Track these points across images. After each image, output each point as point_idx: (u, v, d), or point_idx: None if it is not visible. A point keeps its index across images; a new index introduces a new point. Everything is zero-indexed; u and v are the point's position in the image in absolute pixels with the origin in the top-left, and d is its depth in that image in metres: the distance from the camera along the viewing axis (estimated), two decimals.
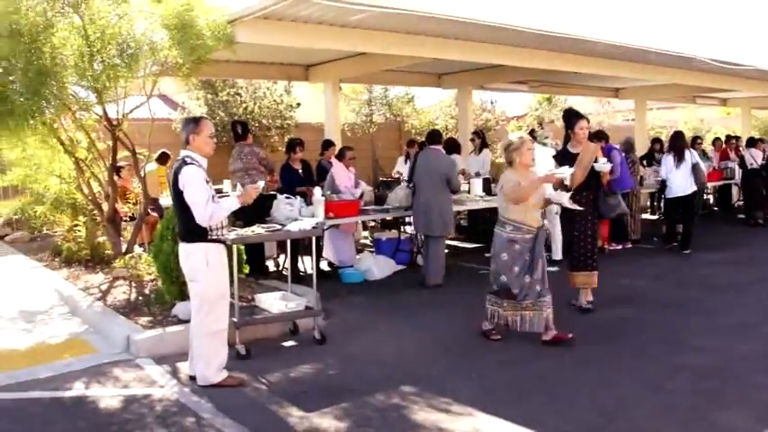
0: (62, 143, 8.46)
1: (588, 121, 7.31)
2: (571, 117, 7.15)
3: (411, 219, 9.51)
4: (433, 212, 8.69)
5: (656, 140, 12.33)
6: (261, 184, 5.60)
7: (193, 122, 5.25)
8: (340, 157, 9.85)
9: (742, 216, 14.71)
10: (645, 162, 12.02)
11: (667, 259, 10.47)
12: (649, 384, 5.14)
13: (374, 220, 11.32)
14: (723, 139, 17.05)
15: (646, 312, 7.33)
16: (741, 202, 15.71)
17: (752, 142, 14.66)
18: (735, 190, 16.15)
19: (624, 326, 6.79)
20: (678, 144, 11.20)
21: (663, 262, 10.29)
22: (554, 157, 7.19)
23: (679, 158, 10.96)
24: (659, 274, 9.45)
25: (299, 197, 8.53)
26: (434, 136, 9.24)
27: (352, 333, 6.74)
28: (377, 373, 5.56)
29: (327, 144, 10.69)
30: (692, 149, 11.38)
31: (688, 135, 13.79)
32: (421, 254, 10.04)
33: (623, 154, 11.43)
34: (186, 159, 5.11)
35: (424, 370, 5.60)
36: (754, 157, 14.20)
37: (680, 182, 10.97)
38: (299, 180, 9.65)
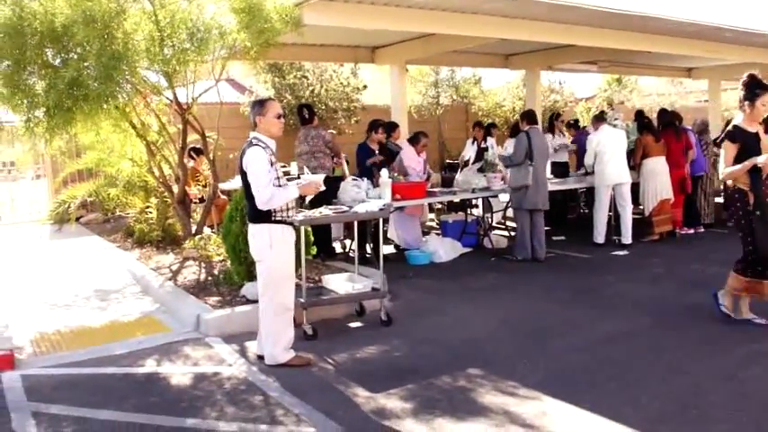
0: (134, 127, 8.64)
1: None
2: (754, 87, 5.87)
3: (509, 195, 9.49)
4: (546, 188, 9.30)
5: (729, 122, 11.94)
6: (321, 181, 5.58)
7: (259, 104, 5.29)
8: (414, 141, 9.85)
9: None
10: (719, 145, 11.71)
11: (740, 243, 10.14)
12: (723, 372, 5.00)
13: (441, 203, 11.28)
14: None
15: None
16: None
17: None
18: None
19: (697, 312, 6.59)
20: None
21: (737, 247, 9.97)
22: (727, 136, 5.91)
23: None
24: (733, 258, 9.14)
25: (366, 179, 8.55)
26: (534, 116, 9.47)
27: (419, 315, 6.73)
28: (443, 355, 5.54)
29: (393, 126, 10.66)
30: None
31: None
32: (488, 236, 10.01)
33: (697, 135, 11.18)
34: (252, 141, 5.16)
35: (492, 353, 5.55)
36: None
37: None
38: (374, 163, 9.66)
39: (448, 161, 15.49)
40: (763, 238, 5.74)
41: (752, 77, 5.89)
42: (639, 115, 11.24)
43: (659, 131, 10.52)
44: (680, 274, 8.26)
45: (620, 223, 10.04)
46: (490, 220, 10.95)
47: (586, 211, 12.76)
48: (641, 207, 10.62)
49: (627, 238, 9.95)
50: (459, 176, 9.84)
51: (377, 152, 9.72)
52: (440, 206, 11.96)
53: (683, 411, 4.35)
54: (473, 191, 9.50)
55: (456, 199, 10.00)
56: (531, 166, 8.92)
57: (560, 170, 11.29)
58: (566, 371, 5.12)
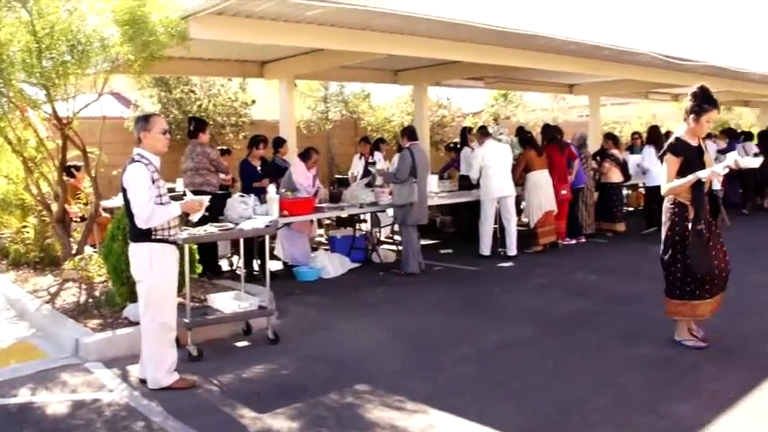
0: (9, 142, 8.25)
1: (719, 112, 5.93)
2: (703, 101, 5.57)
3: (393, 212, 9.59)
4: (426, 204, 9.51)
5: (607, 136, 12.48)
6: (205, 201, 5.47)
7: (144, 120, 5.15)
8: (305, 157, 9.79)
9: None
10: (598, 158, 12.18)
11: (621, 253, 10.62)
12: (604, 377, 5.19)
13: (329, 218, 11.28)
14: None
15: (601, 306, 7.40)
16: None
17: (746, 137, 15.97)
18: None
19: (580, 320, 6.84)
20: (658, 137, 12.30)
21: (617, 255, 10.43)
22: (669, 149, 5.67)
23: (659, 149, 11.38)
24: (613, 267, 9.56)
25: (253, 195, 8.46)
26: (414, 132, 9.58)
27: (307, 332, 6.69)
28: (331, 371, 5.51)
29: (280, 141, 10.59)
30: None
31: (643, 130, 14.13)
32: (376, 251, 10.07)
33: (577, 149, 11.60)
34: (135, 157, 5.02)
35: (380, 368, 5.57)
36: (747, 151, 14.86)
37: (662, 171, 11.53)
38: (257, 177, 9.60)
39: (337, 176, 15.52)
40: (698, 255, 5.53)
41: (702, 90, 5.60)
42: (520, 131, 11.57)
43: (542, 146, 10.86)
44: (563, 284, 8.53)
45: (505, 235, 10.29)
46: (378, 234, 11.03)
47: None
48: (525, 219, 10.92)
49: (512, 249, 10.21)
50: (347, 192, 9.87)
51: (259, 168, 9.68)
52: (328, 221, 11.94)
53: (566, 417, 4.49)
54: (361, 206, 9.54)
55: (344, 214, 10.00)
56: (416, 182, 9.05)
57: (468, 183, 11.37)
58: (453, 382, 5.19)
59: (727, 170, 5.45)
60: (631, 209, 15.40)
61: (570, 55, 11.65)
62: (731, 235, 11.19)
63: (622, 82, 15.17)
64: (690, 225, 5.54)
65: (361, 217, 10.89)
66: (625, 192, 14.65)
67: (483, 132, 10.67)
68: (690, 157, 5.56)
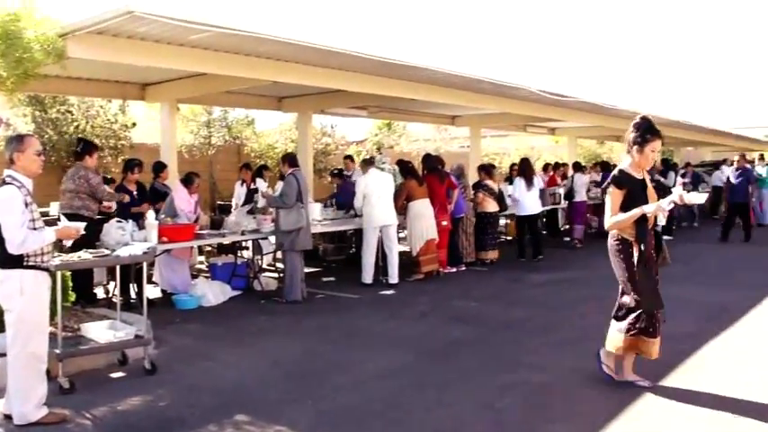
0: None
1: (663, 143, 5.58)
2: (645, 131, 5.39)
3: (276, 238, 9.44)
4: (310, 230, 9.52)
5: (481, 167, 12.84)
6: (81, 227, 5.28)
7: (17, 140, 4.93)
8: (186, 182, 9.62)
9: (567, 239, 15.71)
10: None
11: (500, 280, 10.90)
12: (483, 403, 5.29)
13: (210, 245, 11.09)
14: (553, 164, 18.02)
15: (480, 332, 7.55)
16: (567, 227, 16.68)
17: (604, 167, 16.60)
18: (561, 214, 17.19)
19: (460, 346, 6.97)
20: (528, 169, 13.11)
21: (496, 283, 10.70)
22: (613, 181, 5.43)
23: (528, 182, 12.86)
24: (492, 294, 9.80)
25: (131, 221, 8.22)
26: (295, 159, 9.66)
27: (186, 362, 6.52)
28: (211, 402, 5.39)
29: (161, 166, 10.35)
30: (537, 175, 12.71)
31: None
32: (258, 279, 9.96)
33: (457, 179, 11.88)
34: (6, 179, 4.80)
35: (261, 397, 5.49)
36: None
37: (530, 202, 12.95)
38: (133, 202, 9.32)
39: (219, 202, 15.30)
40: (647, 292, 5.36)
41: (644, 120, 5.43)
42: (401, 163, 11.75)
43: (424, 175, 11.07)
44: (444, 311, 8.68)
45: (387, 263, 10.39)
46: (260, 262, 10.92)
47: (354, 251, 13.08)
48: (408, 248, 11.06)
49: (394, 277, 10.31)
50: (228, 218, 9.73)
51: (135, 193, 9.46)
52: (209, 248, 11.74)
53: None
54: (243, 233, 9.43)
55: (226, 241, 9.85)
56: (303, 208, 9.05)
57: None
58: (335, 412, 5.16)
59: (672, 205, 5.33)
60: (509, 238, 15.84)
61: (452, 87, 11.96)
62: (605, 263, 11.69)
63: (502, 115, 15.62)
64: (635, 262, 5.33)
65: (243, 244, 10.75)
66: (504, 221, 15.11)
67: (367, 161, 10.82)
68: (634, 191, 5.36)
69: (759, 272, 11.58)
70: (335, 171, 14.62)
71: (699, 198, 5.74)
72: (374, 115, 16.78)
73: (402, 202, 10.75)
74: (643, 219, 5.28)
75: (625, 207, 5.32)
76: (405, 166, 11.19)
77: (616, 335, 5.54)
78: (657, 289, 5.42)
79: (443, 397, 5.46)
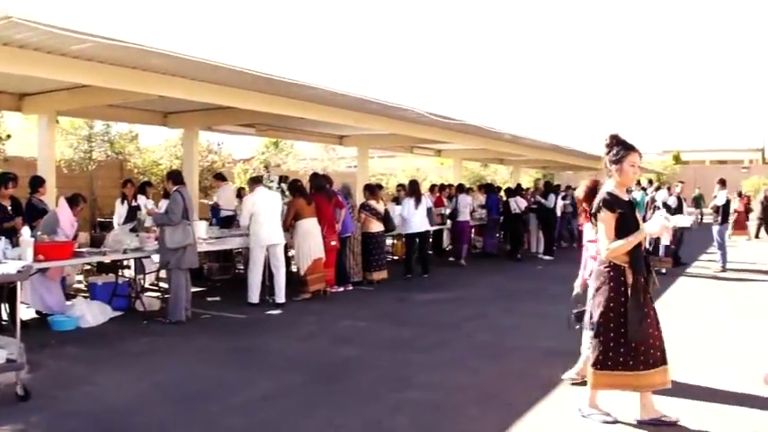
0: None
1: (641, 156, 5.29)
2: (619, 148, 5.16)
3: (160, 257, 9.13)
4: (197, 248, 9.29)
5: (366, 188, 12.93)
6: None
7: None
8: (73, 203, 9.29)
9: (452, 259, 16.05)
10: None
11: (386, 300, 10.95)
12: (373, 423, 5.26)
13: (90, 264, 10.66)
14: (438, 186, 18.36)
15: (369, 352, 7.53)
16: (450, 247, 17.04)
17: (517, 191, 17.89)
18: (446, 234, 17.54)
19: (349, 366, 6.93)
20: (417, 189, 13.56)
21: (383, 302, 10.73)
22: (605, 204, 5.06)
23: (417, 201, 13.27)
24: (380, 314, 9.83)
25: (3, 237, 7.81)
26: (180, 176, 9.48)
27: (63, 387, 6.19)
28: (89, 429, 5.15)
29: (38, 181, 9.89)
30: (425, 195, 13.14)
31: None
32: (140, 298, 9.64)
33: (344, 198, 11.91)
34: None
35: (144, 423, 5.26)
36: (518, 204, 17.01)
37: (418, 221, 13.30)
38: (7, 218, 8.85)
39: (99, 219, 14.77)
40: (637, 322, 4.98)
41: (614, 137, 5.21)
42: (287, 179, 11.69)
43: (311, 194, 11.03)
44: (332, 331, 8.63)
45: (273, 283, 10.27)
46: (143, 281, 10.59)
47: (242, 270, 12.88)
48: (295, 267, 10.97)
49: (280, 297, 10.20)
50: (109, 236, 9.38)
51: (9, 208, 9.02)
52: (89, 267, 11.29)
53: None
54: (124, 251, 9.11)
55: (106, 260, 9.48)
56: (189, 225, 8.84)
57: None
58: None
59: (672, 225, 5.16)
60: (396, 257, 15.98)
61: (339, 107, 11.99)
62: (489, 282, 11.97)
63: (390, 136, 15.79)
64: (629, 289, 5.01)
65: (125, 263, 10.39)
66: (391, 241, 15.23)
67: (254, 180, 10.73)
68: (625, 213, 5.05)
69: None
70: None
71: (685, 221, 5.81)
72: (262, 133, 16.64)
73: (290, 220, 10.67)
74: (637, 245, 5.01)
75: (618, 231, 5.00)
76: (293, 185, 11.11)
77: (596, 374, 5.16)
78: (646, 320, 5.03)
79: (333, 418, 5.39)
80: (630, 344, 5.02)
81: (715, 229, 15.13)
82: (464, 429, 5.18)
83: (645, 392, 5.17)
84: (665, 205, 15.06)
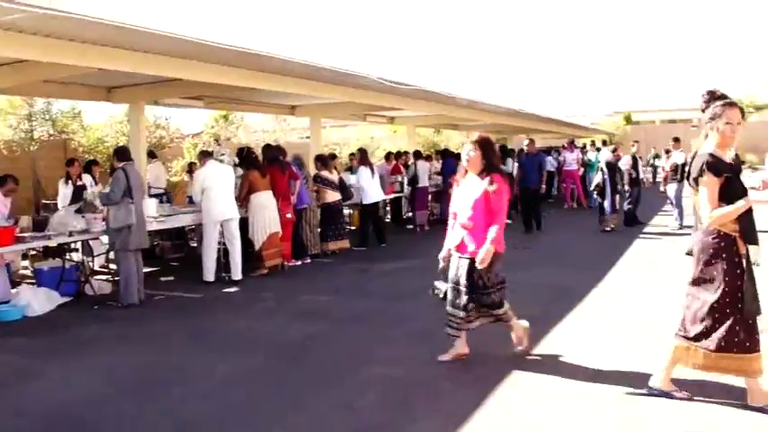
0: None
1: (743, 113, 4.75)
2: (715, 103, 4.60)
3: (109, 238, 8.77)
4: (145, 227, 8.96)
5: (317, 158, 12.63)
6: None
7: None
8: (1, 183, 8.86)
9: (411, 226, 15.94)
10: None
11: (346, 272, 10.73)
12: (341, 403, 5.04)
13: (35, 249, 10.20)
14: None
15: (331, 327, 7.31)
16: (410, 214, 16.87)
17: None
18: (404, 203, 17.36)
19: (312, 343, 6.69)
20: (366, 157, 13.48)
21: (342, 275, 10.51)
22: (710, 168, 4.48)
23: (372, 171, 13.22)
24: (341, 287, 9.61)
25: None
26: (126, 152, 9.06)
27: (8, 382, 5.83)
28: (41, 427, 4.82)
29: None
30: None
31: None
32: (89, 283, 9.26)
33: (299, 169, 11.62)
34: None
35: (100, 415, 4.95)
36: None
37: (374, 190, 13.23)
38: None
39: (44, 201, 14.23)
40: (750, 297, 4.47)
41: (710, 93, 4.65)
42: (242, 151, 11.34)
43: (264, 166, 10.69)
44: (291, 307, 8.38)
45: (229, 259, 9.96)
46: (92, 264, 10.18)
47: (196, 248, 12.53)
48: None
49: (237, 274, 9.91)
50: (53, 218, 8.96)
51: None
52: (34, 252, 10.82)
53: None
54: (70, 234, 8.69)
55: (52, 243, 9.05)
56: (132, 203, 8.45)
57: None
58: (182, 425, 4.74)
59: None
60: (353, 227, 15.73)
61: (292, 76, 11.60)
62: None
63: (343, 104, 15.46)
64: (743, 261, 4.49)
65: (72, 246, 9.96)
66: (348, 211, 14.97)
67: (204, 153, 10.39)
68: (731, 177, 4.52)
69: (594, 254, 12.01)
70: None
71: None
72: (210, 106, 16.12)
73: (244, 194, 10.34)
74: (746, 211, 4.45)
75: (722, 197, 4.47)
76: (247, 157, 10.76)
77: (693, 353, 4.66)
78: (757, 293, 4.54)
79: (299, 399, 5.16)
80: (748, 322, 4.48)
81: (672, 187, 15.13)
82: (439, 406, 4.97)
83: (755, 377, 4.59)
84: (609, 165, 15.05)
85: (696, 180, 4.60)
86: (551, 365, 5.74)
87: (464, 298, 5.68)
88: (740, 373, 4.60)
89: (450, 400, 5.09)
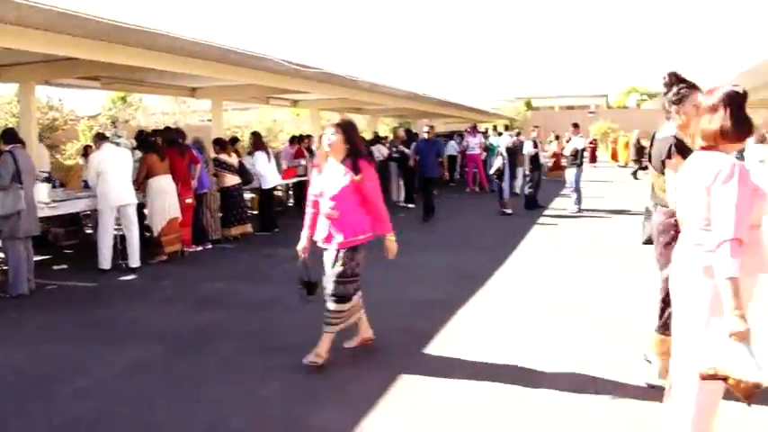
0: None
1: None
2: (680, 85, 4.48)
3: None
4: (36, 212, 8.54)
5: (215, 141, 12.32)
6: None
7: None
8: None
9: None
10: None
11: (248, 258, 10.55)
12: (245, 393, 4.91)
13: None
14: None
15: (234, 315, 7.14)
16: None
17: (377, 140, 18.71)
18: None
19: (213, 332, 6.51)
20: (261, 141, 13.35)
21: (245, 261, 10.33)
22: (678, 149, 4.38)
23: (268, 155, 13.08)
24: (243, 273, 9.43)
25: None
26: (14, 134, 8.62)
27: None
28: None
29: None
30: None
31: (264, 134, 14.50)
32: None
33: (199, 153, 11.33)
34: None
35: None
36: (381, 152, 17.45)
37: (272, 175, 13.11)
38: None
39: None
40: None
41: (673, 76, 4.49)
42: (141, 134, 10.99)
43: (164, 149, 10.36)
44: (192, 295, 8.15)
45: (126, 246, 9.63)
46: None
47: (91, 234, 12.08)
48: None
49: (135, 261, 9.58)
50: None
51: None
52: None
53: None
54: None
55: None
56: (21, 189, 8.04)
57: None
58: (74, 422, 4.51)
59: None
60: (255, 212, 15.48)
61: (194, 57, 11.27)
62: None
63: (246, 87, 15.16)
64: None
65: None
66: (250, 195, 14.71)
67: (100, 136, 9.98)
68: None
69: (496, 237, 12.16)
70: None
71: None
72: (107, 87, 15.53)
73: (142, 178, 10.01)
74: None
75: None
76: (145, 140, 10.41)
77: (661, 339, 4.61)
78: None
79: (200, 390, 5.00)
80: None
81: (572, 171, 15.47)
82: (345, 394, 4.90)
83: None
84: (509, 149, 15.39)
85: (663, 162, 4.53)
86: (457, 348, 5.76)
87: (350, 287, 5.45)
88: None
89: (355, 387, 5.01)
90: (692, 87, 4.44)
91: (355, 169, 5.29)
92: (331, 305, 5.41)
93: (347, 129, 5.42)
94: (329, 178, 5.39)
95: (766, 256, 3.22)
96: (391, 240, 5.53)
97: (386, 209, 5.54)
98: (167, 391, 5.04)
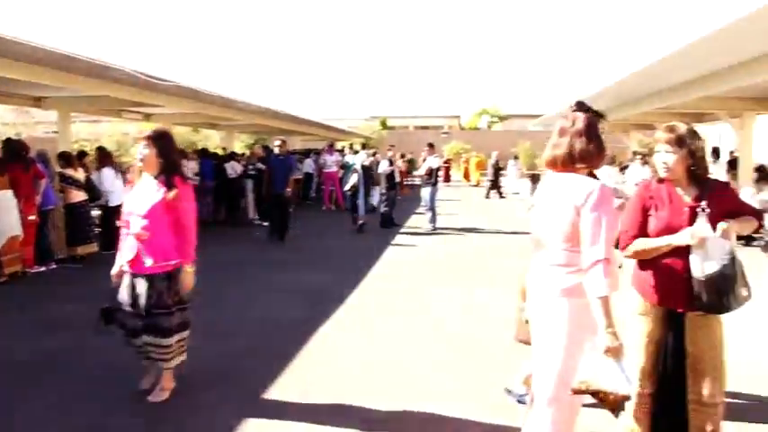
0: None
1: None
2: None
3: None
4: None
5: (60, 156, 11.75)
6: None
7: None
8: None
9: None
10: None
11: (97, 278, 10.00)
12: (88, 425, 4.65)
13: None
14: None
15: (81, 340, 6.72)
16: None
17: (232, 156, 18.20)
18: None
19: (55, 358, 6.14)
20: (107, 157, 12.99)
21: (92, 281, 9.84)
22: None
23: (116, 171, 12.75)
24: (92, 294, 8.92)
25: None
26: None
27: None
28: None
29: None
30: None
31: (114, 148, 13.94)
32: None
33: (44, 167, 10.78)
34: None
35: None
36: (235, 169, 17.36)
37: (120, 191, 12.12)
38: None
39: None
40: None
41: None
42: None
43: (4, 163, 9.77)
44: (34, 318, 7.68)
45: None
46: None
47: None
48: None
49: None
50: None
51: None
52: None
53: None
54: None
55: None
56: None
57: None
58: None
59: None
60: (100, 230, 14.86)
61: (39, 64, 10.68)
62: (208, 252, 11.47)
63: (96, 98, 14.52)
64: None
65: None
66: (98, 212, 14.11)
67: None
68: None
69: (352, 256, 12.19)
70: None
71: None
72: None
73: None
74: None
75: None
76: None
77: None
78: None
79: (38, 425, 4.69)
80: None
81: (427, 190, 15.76)
82: (202, 420, 4.74)
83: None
84: (364, 167, 15.71)
85: None
86: (318, 370, 5.70)
87: (140, 323, 4.92)
88: None
89: (214, 413, 4.87)
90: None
91: (169, 186, 4.86)
92: (149, 338, 4.93)
93: (161, 141, 4.95)
94: (141, 195, 4.95)
95: (618, 275, 3.36)
96: (189, 273, 4.97)
97: (195, 238, 5.03)
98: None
